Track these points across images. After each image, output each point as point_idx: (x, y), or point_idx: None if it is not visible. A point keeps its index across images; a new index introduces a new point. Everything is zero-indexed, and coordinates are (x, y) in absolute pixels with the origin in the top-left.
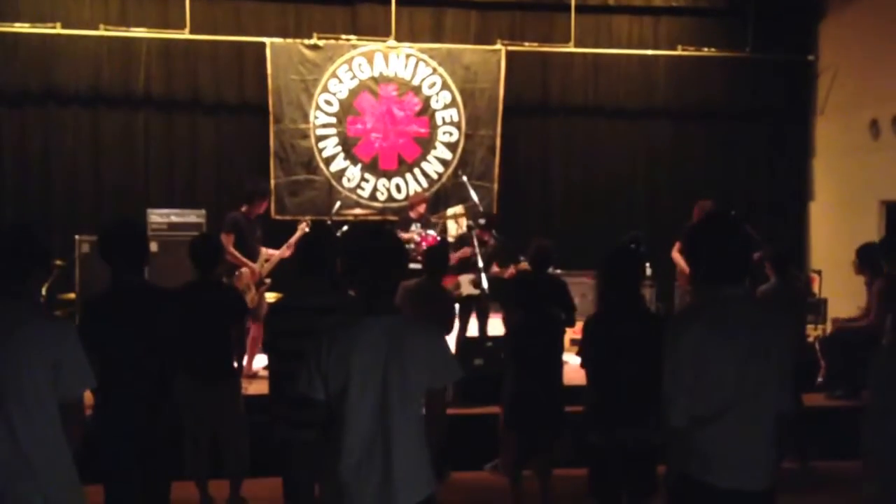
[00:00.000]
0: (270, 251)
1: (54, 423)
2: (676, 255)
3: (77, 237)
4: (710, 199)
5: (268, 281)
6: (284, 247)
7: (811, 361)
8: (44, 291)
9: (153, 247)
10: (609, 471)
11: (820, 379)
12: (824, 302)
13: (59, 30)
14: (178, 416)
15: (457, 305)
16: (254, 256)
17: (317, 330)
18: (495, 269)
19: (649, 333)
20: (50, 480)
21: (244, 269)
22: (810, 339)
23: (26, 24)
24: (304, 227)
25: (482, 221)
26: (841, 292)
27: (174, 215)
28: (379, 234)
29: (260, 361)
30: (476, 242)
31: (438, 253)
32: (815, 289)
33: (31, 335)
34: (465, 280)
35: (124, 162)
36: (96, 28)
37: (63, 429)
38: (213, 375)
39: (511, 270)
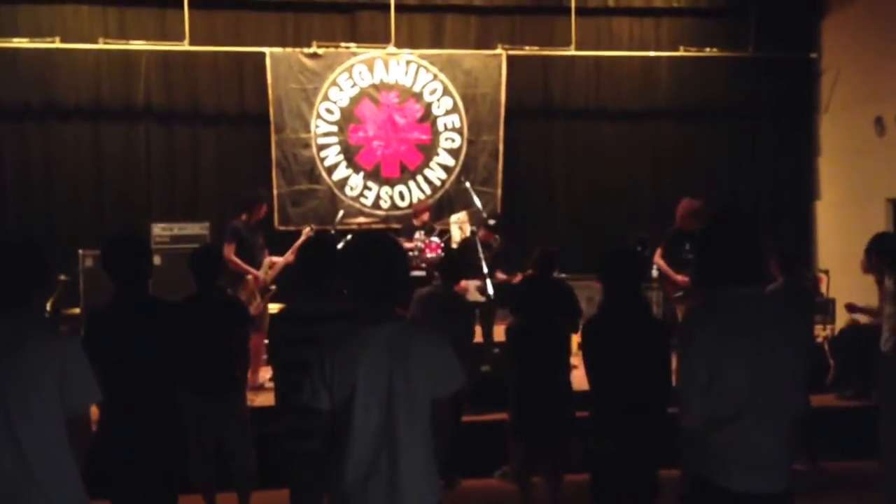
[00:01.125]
0: (275, 258)
1: (61, 437)
2: (659, 260)
3: (80, 251)
4: (694, 198)
5: (273, 288)
6: (289, 252)
7: (820, 362)
8: (49, 306)
9: (156, 260)
10: (609, 477)
11: (829, 379)
12: (832, 302)
13: (58, 44)
14: (184, 428)
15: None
16: (256, 264)
17: (319, 339)
18: (500, 275)
19: (649, 336)
20: (58, 496)
21: (248, 277)
22: (819, 340)
23: (25, 39)
24: (308, 233)
25: (492, 222)
26: (849, 292)
27: (177, 228)
28: (378, 240)
29: (266, 372)
30: (480, 247)
31: (452, 259)
32: (823, 288)
33: (37, 350)
34: (471, 286)
35: (126, 175)
36: (95, 41)
37: (69, 443)
38: (217, 387)
39: (518, 277)
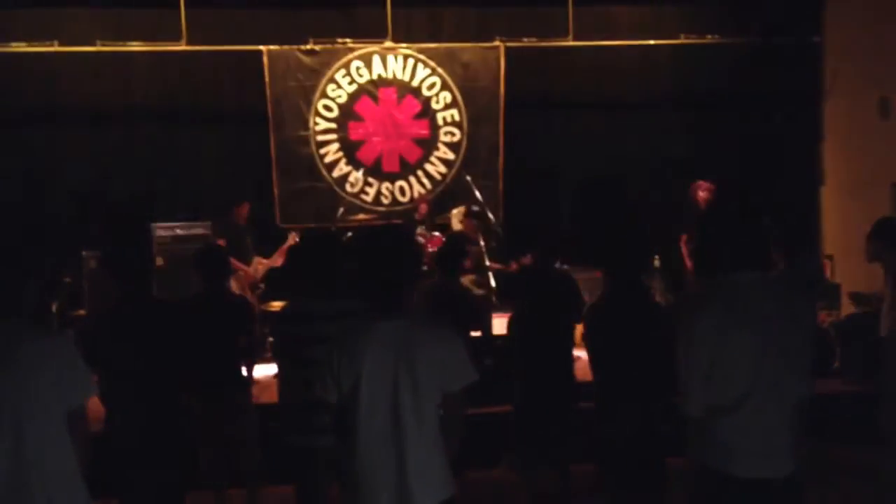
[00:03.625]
0: (262, 259)
1: (62, 437)
2: (684, 246)
3: (84, 253)
4: (705, 181)
5: (261, 286)
6: (276, 255)
7: (826, 347)
8: (54, 309)
9: (159, 261)
10: (616, 464)
11: (836, 365)
12: (837, 287)
13: (56, 47)
14: (191, 427)
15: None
16: (246, 261)
17: (328, 336)
18: (493, 265)
19: (652, 322)
20: (59, 495)
21: (240, 273)
22: (825, 325)
23: (23, 44)
24: (294, 237)
25: (475, 208)
26: (854, 277)
27: (179, 228)
28: (385, 233)
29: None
30: (482, 241)
31: (450, 251)
32: (828, 274)
33: (31, 351)
34: (465, 281)
35: (127, 175)
36: (93, 44)
37: (71, 441)
38: (223, 385)
39: (514, 266)
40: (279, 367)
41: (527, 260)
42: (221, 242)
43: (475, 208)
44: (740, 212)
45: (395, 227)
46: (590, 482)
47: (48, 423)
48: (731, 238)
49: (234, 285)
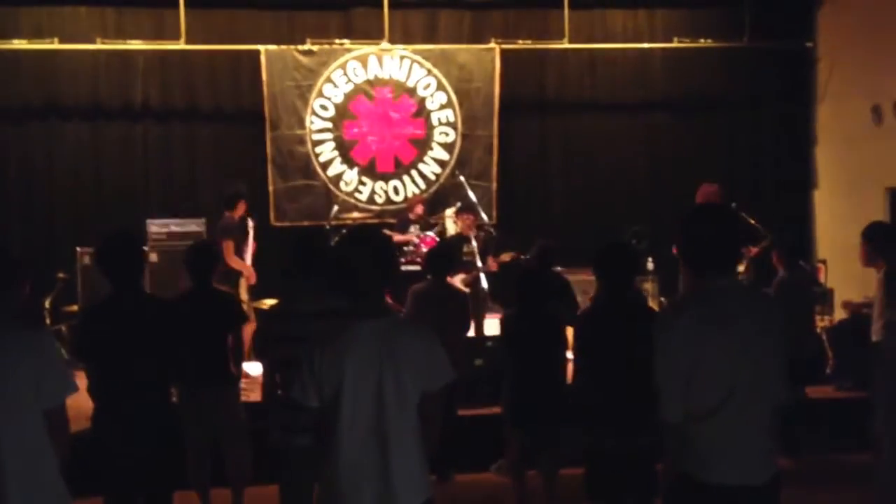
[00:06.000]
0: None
1: (41, 435)
2: None
3: (78, 249)
4: (713, 183)
5: (252, 283)
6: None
7: (819, 352)
8: (47, 304)
9: (153, 257)
10: (605, 473)
11: (828, 371)
12: (830, 292)
13: (56, 45)
14: (178, 424)
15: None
16: (247, 260)
17: (309, 335)
18: (491, 262)
19: (639, 330)
20: (38, 494)
21: (245, 275)
22: (818, 331)
23: (24, 41)
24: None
25: (458, 205)
26: (847, 281)
27: (174, 225)
28: (360, 236)
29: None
30: (474, 240)
31: (440, 253)
32: (821, 278)
33: (10, 347)
34: (457, 280)
35: (124, 173)
36: (93, 42)
37: (49, 438)
38: (212, 383)
39: (493, 266)
40: (263, 367)
41: (507, 257)
42: (229, 243)
43: (458, 204)
44: (716, 216)
45: (370, 228)
46: (578, 487)
47: (26, 420)
48: (698, 244)
49: (243, 290)
